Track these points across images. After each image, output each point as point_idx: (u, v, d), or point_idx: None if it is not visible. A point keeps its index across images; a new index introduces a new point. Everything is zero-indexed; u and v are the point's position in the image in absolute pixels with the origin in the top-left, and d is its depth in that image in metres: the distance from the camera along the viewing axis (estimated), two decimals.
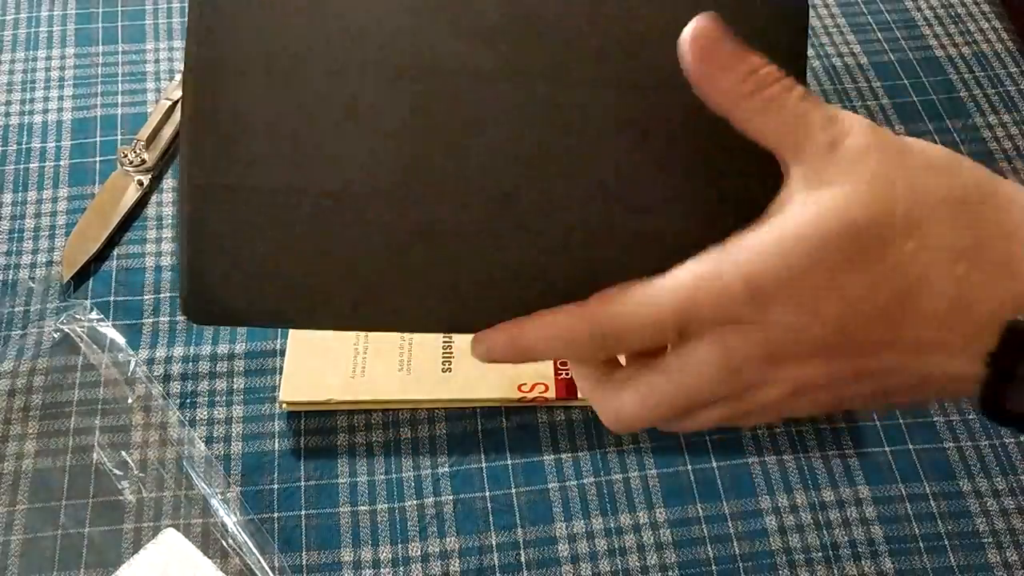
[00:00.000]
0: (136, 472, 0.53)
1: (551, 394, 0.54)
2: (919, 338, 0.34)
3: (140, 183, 0.63)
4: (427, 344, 0.56)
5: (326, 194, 0.35)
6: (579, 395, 0.54)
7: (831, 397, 0.36)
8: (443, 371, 0.55)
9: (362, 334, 0.56)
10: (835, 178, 0.33)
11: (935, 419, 0.56)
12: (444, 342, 0.56)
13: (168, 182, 0.64)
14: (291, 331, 0.56)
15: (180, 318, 0.58)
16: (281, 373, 0.55)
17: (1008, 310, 0.33)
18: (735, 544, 0.51)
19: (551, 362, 0.55)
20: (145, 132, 0.65)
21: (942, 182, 0.34)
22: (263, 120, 0.35)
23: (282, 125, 0.35)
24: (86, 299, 0.58)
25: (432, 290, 0.36)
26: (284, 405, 0.54)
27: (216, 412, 0.55)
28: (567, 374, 0.55)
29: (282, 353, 0.56)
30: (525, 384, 0.54)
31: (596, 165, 0.36)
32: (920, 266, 0.33)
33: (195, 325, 0.58)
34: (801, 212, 0.33)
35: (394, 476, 0.53)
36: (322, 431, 0.54)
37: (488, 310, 0.36)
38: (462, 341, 0.56)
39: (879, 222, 0.33)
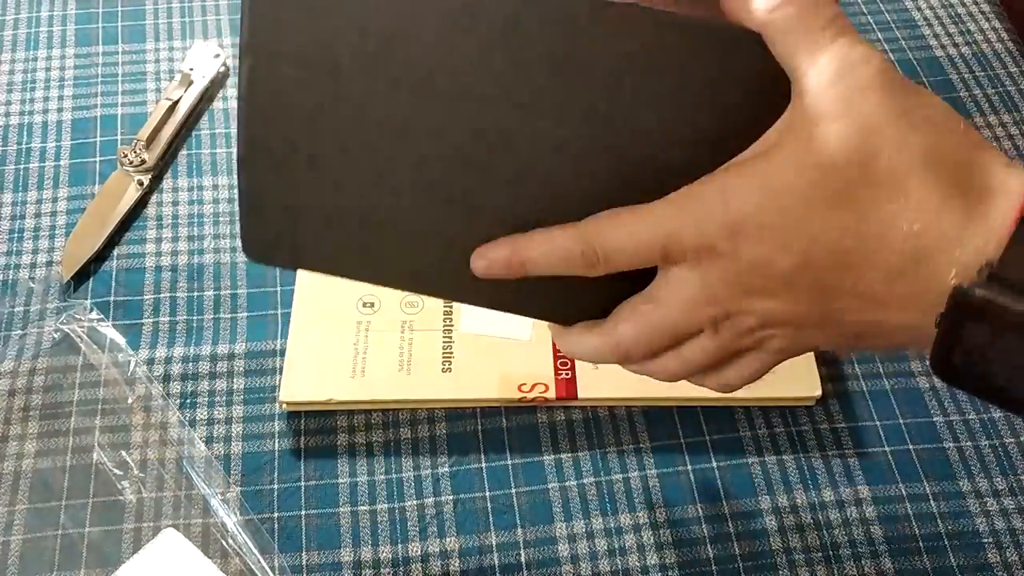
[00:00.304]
0: (136, 472, 0.53)
1: (551, 394, 0.54)
2: (874, 290, 0.35)
3: (140, 183, 0.63)
4: (427, 344, 0.56)
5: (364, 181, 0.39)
6: (578, 395, 0.54)
7: (799, 335, 0.38)
8: (443, 371, 0.55)
9: (362, 334, 0.56)
10: (830, 111, 0.34)
11: (935, 419, 0.56)
12: (444, 341, 0.56)
13: (168, 182, 0.64)
14: (291, 331, 0.56)
15: (180, 318, 0.58)
16: (281, 373, 0.55)
17: (955, 276, 0.33)
18: (735, 544, 0.51)
19: (551, 363, 0.55)
20: (145, 132, 0.65)
21: (931, 140, 0.34)
22: (309, 111, 0.37)
23: (330, 121, 0.38)
24: (86, 299, 0.58)
25: (442, 254, 0.40)
26: (284, 405, 0.54)
27: (216, 412, 0.55)
28: (567, 374, 0.55)
29: (282, 353, 0.56)
30: (525, 384, 0.54)
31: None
32: (885, 219, 0.34)
33: (194, 330, 0.58)
34: (789, 145, 0.35)
35: (394, 476, 0.53)
36: (322, 431, 0.54)
37: None
38: (462, 341, 0.56)
39: (858, 167, 0.34)
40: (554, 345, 0.56)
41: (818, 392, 0.55)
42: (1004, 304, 0.33)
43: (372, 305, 0.57)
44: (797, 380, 0.55)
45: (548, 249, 0.38)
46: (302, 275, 0.58)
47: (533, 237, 0.38)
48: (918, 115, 0.35)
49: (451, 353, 0.56)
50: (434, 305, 0.57)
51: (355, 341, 0.56)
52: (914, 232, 0.34)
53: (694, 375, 0.40)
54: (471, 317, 0.57)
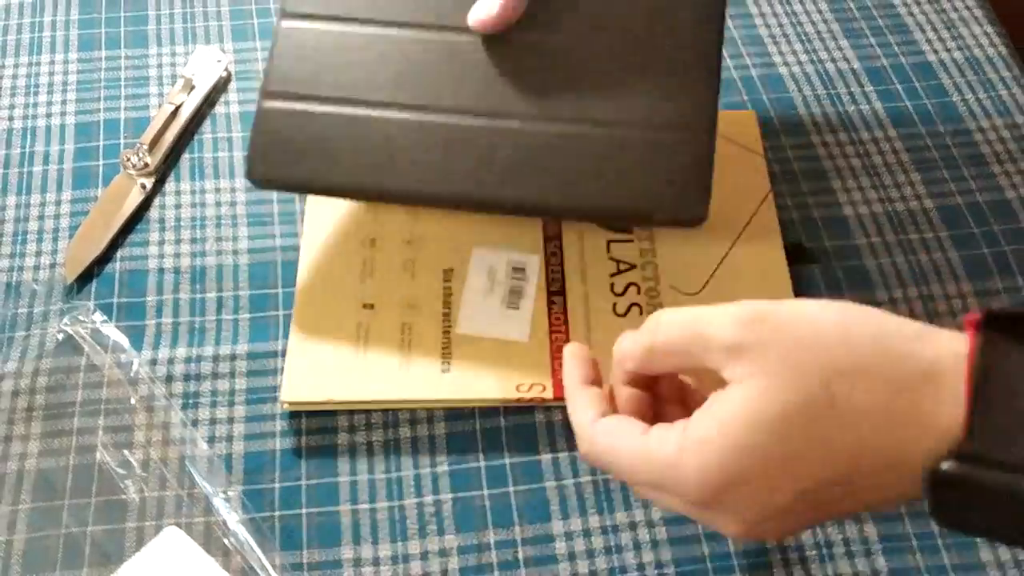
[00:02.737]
0: (139, 471, 0.53)
1: (548, 394, 0.55)
2: (867, 485, 0.40)
3: (143, 186, 0.64)
4: (426, 345, 0.56)
5: (363, 103, 0.56)
6: None
7: (798, 526, 0.44)
8: (442, 372, 0.56)
9: (362, 335, 0.57)
10: (746, 379, 0.40)
11: None
12: (443, 343, 0.56)
13: (170, 185, 0.65)
14: (291, 332, 0.57)
15: (182, 319, 0.59)
16: (282, 373, 0.56)
17: (928, 457, 0.38)
18: (730, 541, 0.52)
19: (548, 363, 0.56)
20: (148, 136, 0.65)
21: (840, 352, 0.39)
22: (321, 51, 0.56)
23: (337, 58, 0.56)
24: (89, 301, 0.59)
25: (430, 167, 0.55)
26: (285, 405, 0.55)
27: (218, 412, 0.55)
28: None
29: (283, 353, 0.57)
30: (523, 384, 0.55)
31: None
32: (851, 433, 0.39)
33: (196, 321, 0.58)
34: (731, 412, 0.40)
35: (394, 475, 0.54)
36: (322, 431, 0.55)
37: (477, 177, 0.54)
38: (460, 342, 0.56)
39: (801, 408, 0.39)
40: (551, 345, 0.56)
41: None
42: (974, 476, 0.37)
43: (372, 307, 0.58)
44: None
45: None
46: (303, 275, 0.59)
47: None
48: (812, 342, 0.40)
49: (450, 354, 0.56)
50: (433, 308, 0.58)
51: (355, 342, 0.56)
52: (882, 434, 0.38)
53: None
54: (469, 319, 0.57)
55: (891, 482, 0.39)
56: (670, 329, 0.43)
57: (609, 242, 0.60)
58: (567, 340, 0.56)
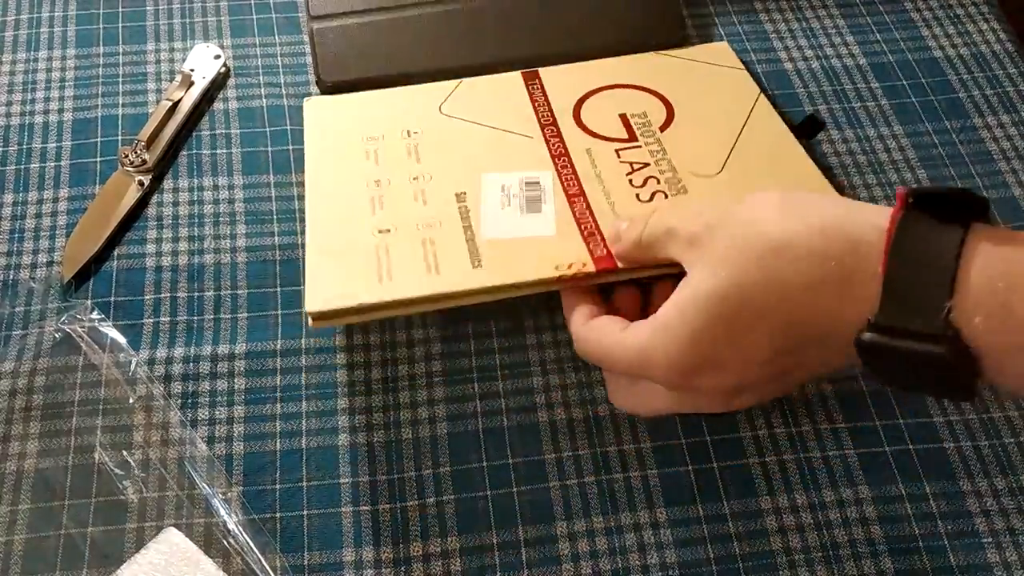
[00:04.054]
0: (138, 472, 0.53)
1: (590, 267, 0.53)
2: (812, 355, 0.45)
3: (141, 183, 0.63)
4: (452, 249, 0.54)
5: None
6: (617, 264, 0.53)
7: (770, 394, 0.50)
8: (474, 268, 0.53)
9: (383, 250, 0.54)
10: (696, 264, 0.45)
11: (935, 419, 0.56)
12: (469, 248, 0.54)
13: (168, 183, 0.64)
14: (308, 246, 0.55)
15: (181, 318, 0.58)
16: (282, 373, 0.55)
17: (855, 327, 0.42)
18: (735, 544, 0.51)
19: (583, 244, 0.54)
20: (146, 132, 0.65)
21: (775, 231, 0.44)
22: None
23: None
24: (87, 299, 0.58)
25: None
26: (311, 319, 0.52)
27: (217, 412, 0.55)
28: (602, 251, 0.54)
29: (283, 354, 0.56)
30: (561, 264, 0.53)
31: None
32: (784, 306, 0.43)
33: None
34: (687, 296, 0.45)
35: (395, 476, 0.53)
36: (323, 431, 0.54)
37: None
38: (486, 245, 0.54)
39: (738, 286, 0.43)
40: (582, 232, 0.55)
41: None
42: (890, 345, 0.41)
43: (388, 231, 0.56)
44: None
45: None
46: (313, 207, 0.58)
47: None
48: (760, 231, 0.44)
49: (479, 255, 0.54)
50: (452, 224, 0.56)
51: (377, 256, 0.54)
52: (821, 307, 0.43)
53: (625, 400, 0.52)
54: (492, 226, 0.56)
55: (831, 351, 0.44)
56: (653, 228, 0.49)
57: (617, 150, 0.61)
58: (597, 228, 0.55)
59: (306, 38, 0.71)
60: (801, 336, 0.43)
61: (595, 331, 0.49)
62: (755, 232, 0.44)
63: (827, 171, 0.65)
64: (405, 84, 0.67)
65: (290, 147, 0.66)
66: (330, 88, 0.67)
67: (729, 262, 0.44)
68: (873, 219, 0.42)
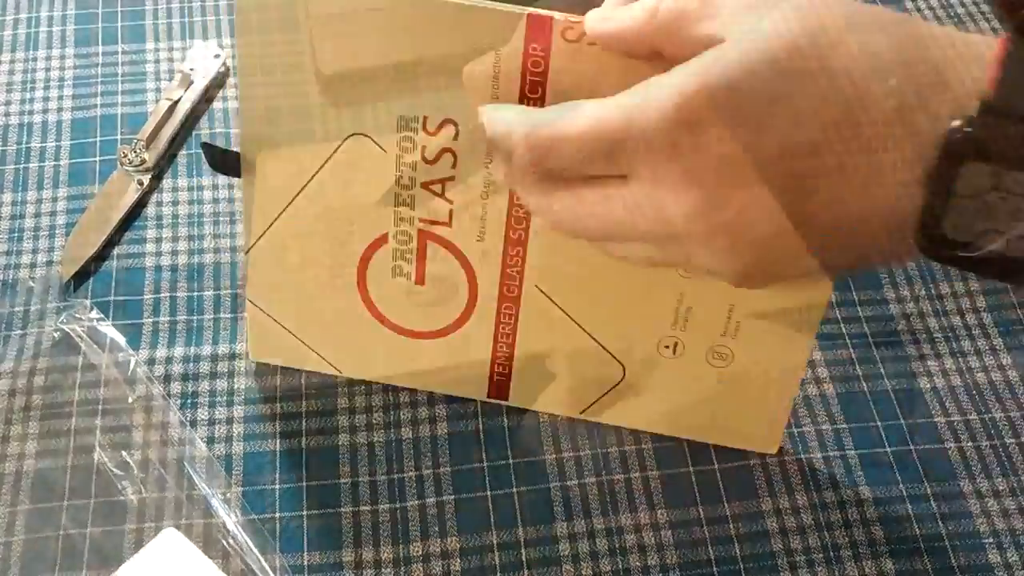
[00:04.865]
0: (137, 472, 0.52)
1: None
2: (858, 162, 0.33)
3: (140, 183, 0.63)
4: None
5: None
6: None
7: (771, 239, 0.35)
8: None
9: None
10: (732, 26, 0.34)
11: (935, 419, 0.56)
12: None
13: (167, 182, 0.64)
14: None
15: (180, 318, 0.58)
16: (281, 372, 0.55)
17: (945, 120, 0.32)
18: (736, 545, 0.51)
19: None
20: (145, 132, 0.65)
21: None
22: None
23: None
24: (86, 299, 0.58)
25: None
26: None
27: (217, 412, 0.55)
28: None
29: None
30: None
31: None
32: (859, 81, 0.32)
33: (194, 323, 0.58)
34: (735, 43, 0.34)
35: (395, 476, 0.53)
36: (323, 431, 0.54)
37: None
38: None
39: (788, 45, 0.33)
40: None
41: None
42: (1007, 133, 0.31)
43: None
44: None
45: (503, 131, 0.39)
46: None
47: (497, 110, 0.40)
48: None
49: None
50: None
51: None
52: (890, 87, 0.32)
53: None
54: None
55: (889, 158, 0.33)
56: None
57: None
58: None
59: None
60: (857, 121, 0.33)
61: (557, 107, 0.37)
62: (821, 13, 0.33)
63: None
64: (404, 76, 0.64)
65: None
66: (329, 81, 0.66)
67: (780, 23, 0.33)
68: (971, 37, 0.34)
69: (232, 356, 0.57)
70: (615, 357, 0.52)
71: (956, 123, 0.31)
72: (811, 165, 0.33)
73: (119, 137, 0.66)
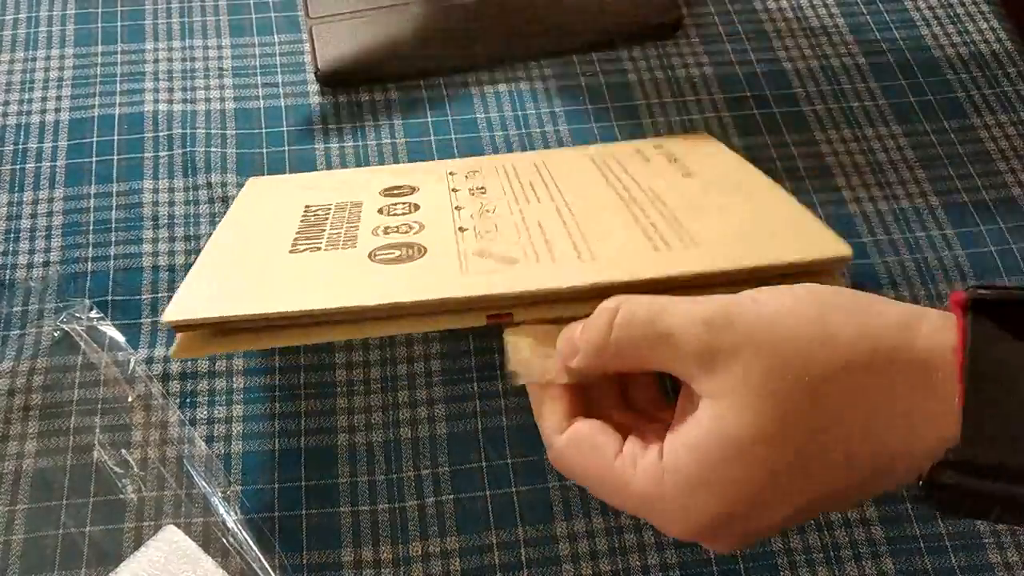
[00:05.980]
0: (137, 471, 0.52)
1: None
2: (862, 491, 0.39)
3: None
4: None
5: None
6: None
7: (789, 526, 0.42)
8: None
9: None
10: (719, 397, 0.37)
11: None
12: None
13: (164, 182, 0.64)
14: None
15: None
16: (281, 372, 0.55)
17: (925, 456, 0.37)
18: None
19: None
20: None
21: (823, 355, 0.37)
22: None
23: None
24: (85, 298, 0.58)
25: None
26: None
27: (216, 411, 0.55)
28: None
29: (282, 352, 0.56)
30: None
31: None
32: (842, 445, 0.36)
33: None
34: (709, 440, 0.37)
35: (395, 476, 0.53)
36: (322, 430, 0.54)
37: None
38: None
39: (784, 426, 0.36)
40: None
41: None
42: (971, 485, 0.36)
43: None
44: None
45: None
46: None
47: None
48: (791, 349, 0.37)
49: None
50: None
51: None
52: (875, 453, 0.37)
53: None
54: None
55: (883, 484, 0.38)
56: (630, 328, 0.39)
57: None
58: None
59: (305, 36, 0.71)
60: (857, 474, 0.37)
61: (579, 451, 0.41)
62: (799, 358, 0.36)
63: (825, 171, 0.65)
64: (403, 80, 0.69)
65: (286, 148, 0.65)
66: (329, 79, 0.68)
67: (771, 399, 0.36)
68: (938, 336, 0.37)
69: (230, 355, 0.56)
70: None
71: (942, 478, 0.36)
72: (817, 508, 0.39)
73: (117, 138, 0.66)
